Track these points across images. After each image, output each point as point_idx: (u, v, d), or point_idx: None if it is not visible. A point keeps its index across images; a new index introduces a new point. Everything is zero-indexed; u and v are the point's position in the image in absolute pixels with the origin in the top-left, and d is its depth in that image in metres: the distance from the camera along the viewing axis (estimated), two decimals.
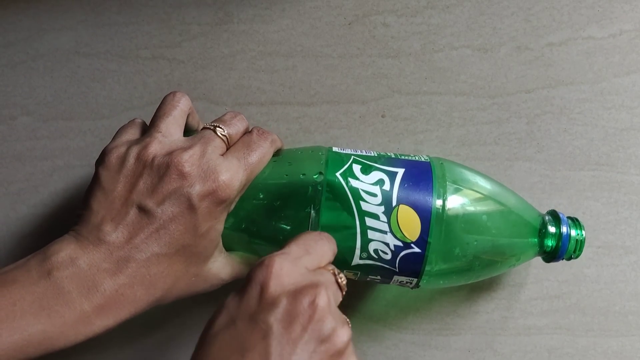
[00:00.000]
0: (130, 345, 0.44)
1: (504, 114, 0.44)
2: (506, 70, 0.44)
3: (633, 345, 0.43)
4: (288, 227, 0.35)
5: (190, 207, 0.32)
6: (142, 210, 0.32)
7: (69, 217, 0.45)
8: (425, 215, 0.34)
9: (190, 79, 0.44)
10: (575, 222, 0.37)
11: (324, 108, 0.44)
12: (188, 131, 0.37)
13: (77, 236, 0.32)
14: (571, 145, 0.44)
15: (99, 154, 0.35)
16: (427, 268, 0.35)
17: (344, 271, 0.36)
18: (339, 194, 0.34)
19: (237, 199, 0.35)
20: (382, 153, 0.37)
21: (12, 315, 0.29)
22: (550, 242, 0.37)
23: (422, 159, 0.37)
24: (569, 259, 0.37)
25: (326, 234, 0.33)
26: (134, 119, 0.38)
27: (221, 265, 0.36)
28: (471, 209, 0.35)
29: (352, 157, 0.36)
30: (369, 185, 0.34)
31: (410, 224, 0.34)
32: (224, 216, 0.34)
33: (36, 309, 0.30)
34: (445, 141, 0.44)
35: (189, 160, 0.33)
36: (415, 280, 0.36)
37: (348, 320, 0.30)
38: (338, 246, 0.34)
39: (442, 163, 0.37)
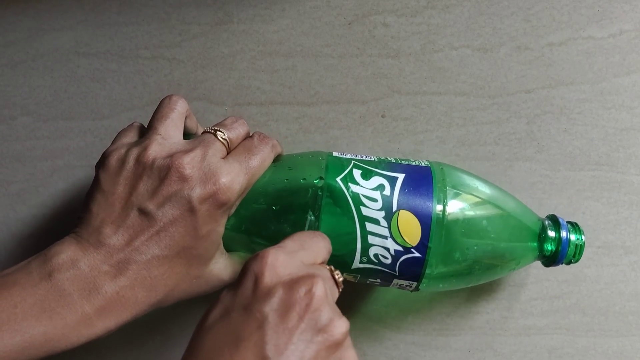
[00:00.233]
0: (130, 346, 0.44)
1: (504, 114, 0.44)
2: (506, 70, 0.44)
3: (633, 345, 0.43)
4: (289, 231, 0.35)
5: (191, 209, 0.32)
6: (143, 212, 0.32)
7: (69, 217, 0.45)
8: (426, 220, 0.34)
9: (190, 79, 0.44)
10: (574, 226, 0.37)
11: (324, 108, 0.44)
12: (186, 134, 0.37)
13: (78, 238, 0.32)
14: (571, 145, 0.44)
15: (99, 155, 0.35)
16: (427, 272, 0.35)
17: (344, 274, 0.36)
18: (340, 199, 0.34)
19: (237, 203, 0.35)
20: (382, 158, 0.37)
21: (14, 317, 0.29)
22: (549, 247, 0.37)
23: (423, 164, 0.37)
24: (569, 263, 0.37)
25: (321, 233, 0.33)
26: (133, 123, 0.38)
27: (222, 267, 0.36)
28: (471, 213, 0.35)
29: (353, 161, 0.36)
30: (370, 191, 0.34)
31: (410, 229, 0.34)
32: (224, 219, 0.34)
33: (37, 311, 0.30)
34: (445, 141, 0.44)
35: (190, 163, 0.33)
36: (415, 283, 0.36)
37: (340, 311, 0.29)
38: (338, 250, 0.34)
39: (442, 168, 0.37)
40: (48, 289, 0.30)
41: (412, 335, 0.43)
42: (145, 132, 0.36)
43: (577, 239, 0.37)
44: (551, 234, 0.37)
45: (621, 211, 0.44)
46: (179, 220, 0.32)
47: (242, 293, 0.28)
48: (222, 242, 0.35)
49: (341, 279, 0.31)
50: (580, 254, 0.37)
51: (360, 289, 0.43)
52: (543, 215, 0.43)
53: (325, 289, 0.28)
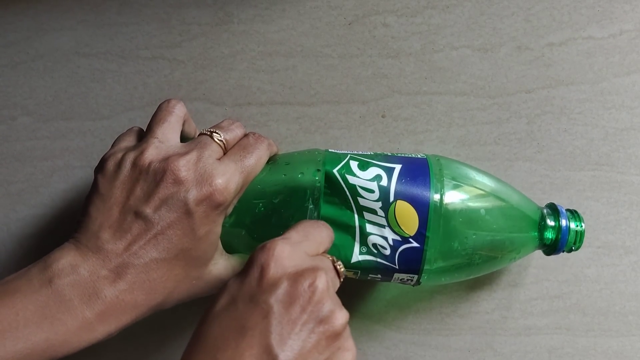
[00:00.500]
0: (130, 346, 0.44)
1: (504, 114, 0.44)
2: (506, 70, 0.44)
3: (633, 345, 0.43)
4: (288, 224, 0.35)
5: (187, 212, 0.32)
6: (140, 216, 0.32)
7: (68, 217, 0.45)
8: (423, 209, 0.34)
9: (190, 79, 0.44)
10: (574, 214, 0.38)
11: (324, 108, 0.44)
12: (184, 138, 0.38)
13: (77, 244, 0.32)
14: (571, 145, 0.44)
15: (99, 155, 0.35)
16: (427, 264, 0.35)
17: (345, 270, 0.36)
18: (337, 190, 0.35)
19: (234, 202, 0.35)
20: (378, 152, 0.38)
21: (16, 324, 0.30)
22: (550, 235, 0.37)
23: (419, 156, 0.37)
24: (570, 251, 0.37)
25: (323, 222, 0.34)
26: (132, 127, 0.38)
27: (222, 268, 0.36)
28: (468, 202, 0.35)
29: (349, 154, 0.37)
30: (366, 182, 0.35)
31: (408, 218, 0.34)
32: (221, 219, 0.34)
33: (39, 317, 0.30)
34: (445, 141, 0.44)
35: (185, 166, 0.33)
36: (415, 277, 0.36)
37: (340, 303, 0.30)
38: (338, 240, 0.34)
39: (438, 159, 0.37)
40: (49, 295, 0.31)
41: (412, 335, 0.43)
42: (143, 135, 0.36)
43: (577, 226, 0.37)
44: (551, 222, 0.37)
45: (621, 211, 0.44)
46: (175, 223, 0.32)
47: (248, 283, 0.28)
48: (220, 243, 0.35)
49: (343, 269, 0.32)
50: (581, 241, 0.37)
51: (360, 288, 0.43)
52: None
53: (327, 282, 0.29)
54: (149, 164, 0.33)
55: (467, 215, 0.35)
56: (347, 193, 0.34)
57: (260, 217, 0.35)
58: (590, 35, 0.44)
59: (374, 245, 0.35)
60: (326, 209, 0.35)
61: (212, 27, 0.44)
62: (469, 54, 0.44)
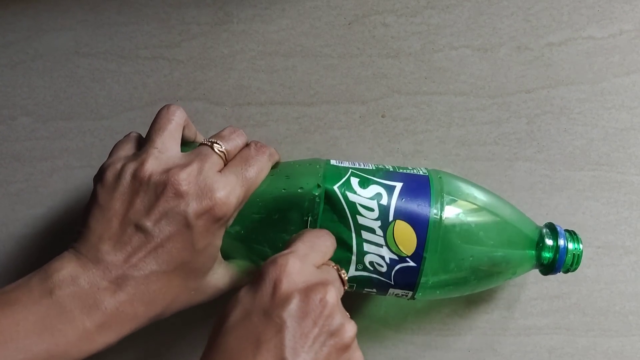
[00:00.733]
0: (130, 346, 0.44)
1: (504, 114, 0.44)
2: (506, 70, 0.44)
3: (633, 345, 0.43)
4: (286, 239, 0.35)
5: (187, 225, 0.32)
6: (139, 229, 0.32)
7: (68, 217, 0.45)
8: (422, 230, 0.34)
9: (190, 79, 0.44)
10: (572, 235, 0.37)
11: (324, 108, 0.44)
12: (184, 143, 0.37)
13: (77, 254, 0.32)
14: (571, 145, 0.44)
15: (99, 155, 0.35)
16: (423, 281, 0.35)
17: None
18: (336, 207, 0.34)
19: (235, 215, 0.35)
20: (380, 166, 0.37)
21: (16, 335, 0.30)
22: (547, 255, 0.37)
23: (421, 172, 0.37)
24: (566, 271, 0.37)
25: (326, 231, 0.34)
26: (129, 133, 0.37)
27: (220, 277, 0.36)
28: (468, 224, 0.35)
29: (350, 170, 0.36)
30: (367, 200, 0.34)
31: (406, 238, 0.34)
32: (221, 232, 0.34)
33: (39, 328, 0.30)
34: (445, 141, 0.44)
35: (186, 179, 0.33)
36: (410, 293, 0.36)
37: (348, 314, 0.32)
38: (334, 257, 0.34)
39: (440, 177, 0.37)
40: (49, 306, 0.30)
41: (412, 335, 0.43)
42: (142, 143, 0.36)
43: (575, 248, 0.37)
44: (549, 242, 0.37)
45: (621, 211, 0.44)
46: (175, 236, 0.32)
47: (261, 297, 0.30)
48: (219, 254, 0.35)
49: (346, 277, 0.33)
50: (578, 262, 0.37)
51: None
52: (542, 216, 0.43)
53: (336, 295, 0.30)
54: (150, 176, 0.33)
55: (466, 236, 0.35)
56: (347, 211, 0.34)
57: (258, 230, 0.35)
58: (590, 35, 0.44)
59: (371, 263, 0.35)
60: (324, 226, 0.34)
61: (212, 26, 0.44)
62: (468, 54, 0.44)
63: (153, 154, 0.34)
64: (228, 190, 0.33)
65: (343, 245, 0.34)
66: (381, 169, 0.37)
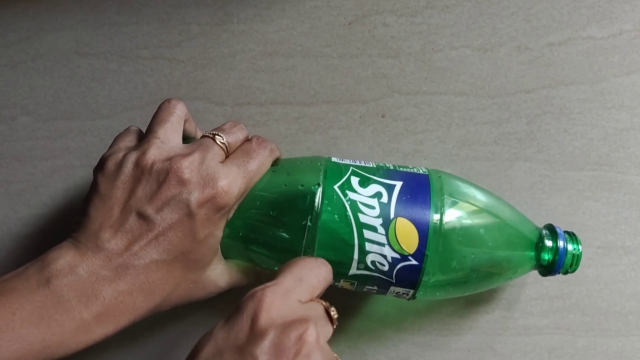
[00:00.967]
0: (129, 346, 0.44)
1: (504, 114, 0.44)
2: (506, 70, 0.44)
3: (633, 345, 0.43)
4: (285, 238, 0.35)
5: (189, 213, 0.32)
6: (141, 216, 0.32)
7: (68, 217, 0.45)
8: (423, 228, 0.34)
9: (190, 79, 0.44)
10: (572, 236, 0.38)
11: (324, 108, 0.44)
12: (185, 138, 0.37)
13: (76, 243, 0.32)
14: (571, 145, 0.44)
15: (99, 155, 0.35)
16: (424, 280, 0.35)
17: (341, 280, 0.36)
18: (337, 206, 0.34)
19: (235, 207, 0.35)
20: (380, 164, 0.37)
21: (12, 324, 0.29)
22: (547, 256, 0.37)
23: (421, 171, 0.37)
24: (565, 273, 0.37)
25: (322, 261, 0.32)
26: (129, 127, 0.38)
27: (219, 273, 0.36)
28: (468, 222, 0.35)
29: (351, 168, 0.36)
30: (367, 198, 0.34)
31: (408, 236, 0.34)
32: (222, 223, 0.34)
33: (36, 317, 0.30)
34: (445, 141, 0.44)
35: (188, 167, 0.33)
36: (411, 291, 0.36)
37: (337, 356, 0.29)
38: (336, 257, 0.34)
39: (440, 176, 0.37)
40: (46, 296, 0.30)
41: (412, 335, 0.43)
42: (143, 136, 0.36)
43: (574, 249, 0.37)
44: (548, 243, 0.37)
45: (621, 211, 0.44)
46: (177, 224, 0.32)
47: (236, 333, 0.27)
48: (219, 248, 0.35)
49: (336, 316, 0.30)
50: (577, 264, 0.37)
51: None
52: (542, 217, 0.43)
53: (316, 334, 0.27)
54: (152, 164, 0.33)
55: (467, 235, 0.35)
56: (348, 209, 0.34)
57: (257, 227, 0.35)
58: (590, 35, 0.44)
59: (373, 262, 0.34)
60: (325, 225, 0.34)
61: (212, 26, 0.44)
62: (468, 54, 0.44)
63: (155, 144, 0.34)
64: (230, 180, 0.33)
65: (344, 245, 0.34)
66: (381, 167, 0.37)
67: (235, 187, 0.33)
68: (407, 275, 0.35)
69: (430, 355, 0.43)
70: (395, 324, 0.43)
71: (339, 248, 0.34)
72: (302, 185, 0.35)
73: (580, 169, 0.44)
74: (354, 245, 0.34)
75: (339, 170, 0.36)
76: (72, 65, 0.45)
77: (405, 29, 0.44)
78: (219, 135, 0.35)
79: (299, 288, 0.30)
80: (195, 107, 0.44)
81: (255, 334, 0.27)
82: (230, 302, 0.39)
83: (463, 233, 0.35)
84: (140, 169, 0.33)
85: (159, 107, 0.36)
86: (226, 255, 0.36)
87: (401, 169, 0.37)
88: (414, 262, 0.34)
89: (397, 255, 0.34)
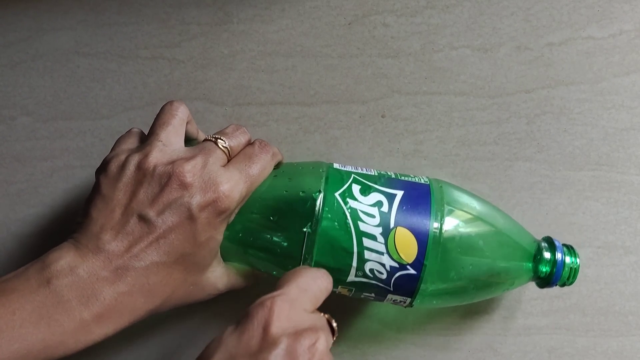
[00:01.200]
0: (130, 346, 0.44)
1: (504, 114, 0.44)
2: (506, 70, 0.44)
3: (633, 345, 0.43)
4: (285, 244, 0.35)
5: (190, 217, 0.32)
6: (142, 219, 0.32)
7: (68, 217, 0.45)
8: (422, 238, 0.34)
9: (190, 79, 0.44)
10: (570, 249, 0.38)
11: (324, 108, 0.44)
12: (187, 140, 0.37)
13: (77, 244, 0.32)
14: (571, 145, 0.44)
15: (99, 155, 0.35)
16: (422, 289, 0.35)
17: (339, 287, 0.36)
18: (338, 213, 0.34)
19: (237, 210, 0.35)
20: (382, 172, 0.37)
21: (12, 324, 0.29)
22: (544, 268, 0.37)
23: (422, 181, 0.37)
24: (562, 285, 0.37)
25: (323, 271, 0.33)
26: (131, 129, 0.38)
27: (219, 276, 0.36)
28: (468, 233, 0.35)
29: (352, 175, 0.36)
30: (368, 207, 0.34)
31: (407, 246, 0.34)
32: (223, 227, 0.34)
33: (36, 317, 0.30)
34: (445, 141, 0.44)
35: (191, 171, 0.33)
36: (408, 299, 0.36)
37: None
38: (334, 264, 0.34)
39: (441, 186, 0.37)
40: (46, 296, 0.30)
41: (412, 335, 0.43)
42: (145, 138, 0.36)
43: (572, 262, 0.37)
44: (547, 255, 0.37)
45: (621, 211, 0.44)
46: (178, 227, 0.32)
47: (248, 340, 0.28)
48: (219, 250, 0.35)
49: (336, 327, 0.32)
50: (575, 277, 0.37)
51: None
52: (542, 216, 0.43)
53: (326, 344, 0.29)
54: (154, 167, 0.33)
55: (466, 246, 0.35)
56: (348, 217, 0.34)
57: (257, 232, 0.35)
58: (590, 35, 0.44)
59: (371, 270, 0.34)
60: (325, 232, 0.34)
61: (212, 26, 0.44)
62: (468, 54, 0.44)
63: (157, 147, 0.34)
64: (232, 184, 0.33)
65: (343, 253, 0.34)
66: (383, 175, 0.37)
67: (237, 192, 0.33)
68: (405, 284, 0.35)
69: (430, 355, 0.43)
70: (395, 325, 0.43)
71: (338, 255, 0.34)
72: (303, 192, 0.35)
73: (580, 169, 0.44)
74: (352, 253, 0.34)
75: (341, 178, 0.36)
76: (72, 65, 0.45)
77: (405, 29, 0.44)
78: (221, 139, 0.35)
79: (304, 298, 0.31)
80: (195, 107, 0.44)
81: (267, 342, 0.27)
82: (230, 304, 0.39)
83: (462, 244, 0.35)
84: (143, 172, 0.33)
85: (161, 110, 0.36)
86: (225, 258, 0.36)
87: (403, 177, 0.37)
88: (412, 271, 0.34)
89: (396, 264, 0.34)
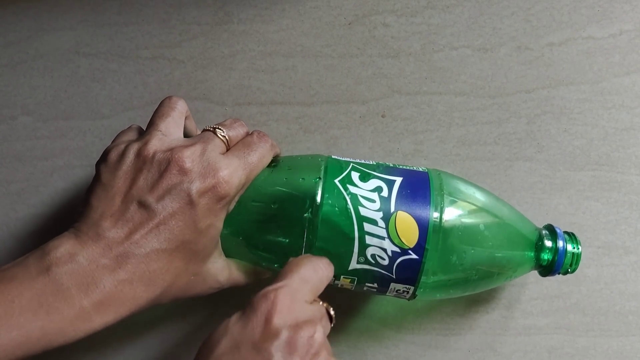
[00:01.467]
0: (130, 346, 0.44)
1: (504, 114, 0.44)
2: (506, 70, 0.44)
3: (633, 345, 0.43)
4: (286, 230, 0.35)
5: (190, 202, 0.32)
6: (142, 205, 0.32)
7: (69, 216, 0.45)
8: (423, 222, 0.34)
9: (190, 79, 0.44)
10: (571, 236, 0.38)
11: (324, 108, 0.44)
12: (185, 135, 0.38)
13: (77, 232, 0.32)
14: (571, 145, 0.44)
15: (99, 155, 0.35)
16: (424, 276, 0.35)
17: (341, 277, 0.36)
18: (338, 199, 0.34)
19: (236, 198, 0.35)
20: (380, 162, 0.38)
21: (11, 311, 0.29)
22: (546, 256, 0.37)
23: (420, 169, 0.37)
24: (565, 273, 0.37)
25: (324, 260, 0.34)
26: (131, 125, 0.38)
27: (220, 268, 0.36)
28: (468, 218, 0.35)
29: (351, 164, 0.36)
30: (368, 192, 0.35)
31: (408, 230, 0.34)
32: (223, 214, 0.34)
33: (35, 305, 0.30)
34: (445, 141, 0.44)
35: (190, 157, 0.33)
36: (412, 288, 0.36)
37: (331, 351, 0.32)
38: (336, 250, 0.34)
39: (439, 174, 0.37)
40: (46, 283, 0.30)
41: (412, 335, 0.43)
42: (145, 130, 0.36)
43: (574, 248, 0.37)
44: (548, 243, 0.37)
45: (621, 211, 0.44)
46: (178, 213, 0.32)
47: (251, 330, 0.29)
48: (220, 242, 0.35)
49: (334, 315, 0.33)
50: (577, 263, 0.37)
51: None
52: (542, 216, 0.43)
53: (323, 334, 0.31)
54: (154, 153, 0.33)
55: (467, 230, 0.35)
56: (349, 202, 0.34)
57: (257, 221, 0.35)
58: (590, 35, 0.44)
59: (373, 255, 0.34)
60: (325, 219, 0.34)
61: (212, 26, 0.44)
62: (469, 54, 0.44)
63: (157, 136, 0.34)
64: (231, 170, 0.34)
65: (345, 238, 0.34)
66: (381, 164, 0.37)
67: (236, 178, 0.34)
68: (408, 270, 0.35)
69: (430, 355, 0.43)
70: (395, 324, 0.43)
71: (339, 241, 0.34)
72: (303, 179, 0.35)
73: (580, 169, 0.44)
74: (354, 239, 0.34)
75: (340, 166, 0.36)
76: (73, 65, 0.45)
77: (405, 29, 0.44)
78: (220, 129, 0.36)
79: (305, 289, 0.32)
80: (196, 107, 0.44)
81: (269, 333, 0.29)
82: (233, 301, 0.39)
83: (463, 228, 0.35)
84: (142, 159, 0.33)
85: (161, 103, 0.37)
86: (227, 254, 0.36)
87: (401, 166, 0.37)
88: (414, 256, 0.34)
89: (397, 249, 0.34)
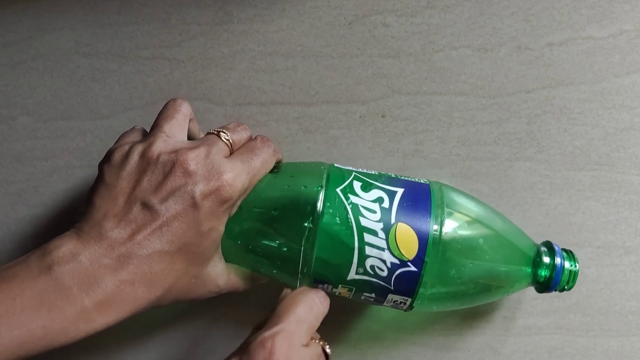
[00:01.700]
0: (130, 346, 0.44)
1: (504, 114, 0.44)
2: (506, 70, 0.44)
3: (633, 345, 0.43)
4: (286, 237, 0.35)
5: (194, 205, 0.32)
6: (146, 206, 0.32)
7: (69, 217, 0.45)
8: (423, 234, 0.34)
9: (190, 79, 0.44)
10: (569, 254, 0.38)
11: (324, 108, 0.44)
12: (189, 138, 0.38)
13: (79, 232, 0.32)
14: (571, 145, 0.44)
15: (99, 155, 0.35)
16: (422, 288, 0.35)
17: (339, 286, 0.36)
18: (339, 208, 0.34)
19: (238, 203, 0.35)
20: (382, 172, 0.38)
21: (12, 310, 0.29)
22: (543, 273, 0.37)
23: (422, 181, 0.37)
24: (562, 290, 0.37)
25: (320, 296, 0.35)
26: (134, 126, 0.38)
27: (220, 272, 0.36)
28: (467, 233, 0.35)
29: (353, 173, 0.36)
30: (369, 202, 0.35)
31: (408, 242, 0.34)
32: (225, 217, 0.34)
33: (36, 304, 0.30)
34: (445, 141, 0.44)
35: (194, 159, 0.33)
36: (409, 300, 0.36)
37: None
38: (335, 260, 0.34)
39: (441, 187, 0.37)
40: (47, 282, 0.30)
41: (412, 335, 0.43)
42: (149, 132, 0.36)
43: (572, 266, 0.37)
44: (546, 260, 0.37)
45: (621, 211, 0.44)
46: (181, 215, 0.32)
47: None
48: (221, 246, 0.35)
49: (330, 352, 0.34)
50: (574, 281, 0.37)
51: None
52: (542, 216, 0.43)
53: None
54: (158, 155, 0.33)
55: (466, 244, 0.35)
56: (349, 212, 0.34)
57: (257, 227, 0.35)
58: (590, 35, 0.44)
59: (372, 267, 0.34)
60: (325, 228, 0.34)
61: (212, 26, 0.44)
62: (469, 54, 0.44)
63: (161, 137, 0.34)
64: (234, 173, 0.34)
65: (344, 248, 0.34)
66: (383, 174, 0.37)
67: (239, 181, 0.34)
68: (406, 282, 0.35)
69: (430, 356, 0.43)
70: (395, 325, 0.43)
71: (339, 250, 0.34)
72: (305, 186, 0.35)
73: (580, 169, 0.44)
74: (353, 249, 0.34)
75: (342, 175, 0.36)
76: (72, 65, 0.45)
77: (405, 29, 0.44)
78: (224, 132, 0.36)
79: (301, 331, 0.32)
80: (196, 107, 0.44)
81: None
82: (233, 305, 0.39)
83: (462, 242, 0.35)
84: (146, 160, 0.33)
85: (165, 105, 0.37)
86: (226, 259, 0.36)
87: (402, 177, 0.37)
88: (412, 268, 0.34)
89: (397, 261, 0.34)
